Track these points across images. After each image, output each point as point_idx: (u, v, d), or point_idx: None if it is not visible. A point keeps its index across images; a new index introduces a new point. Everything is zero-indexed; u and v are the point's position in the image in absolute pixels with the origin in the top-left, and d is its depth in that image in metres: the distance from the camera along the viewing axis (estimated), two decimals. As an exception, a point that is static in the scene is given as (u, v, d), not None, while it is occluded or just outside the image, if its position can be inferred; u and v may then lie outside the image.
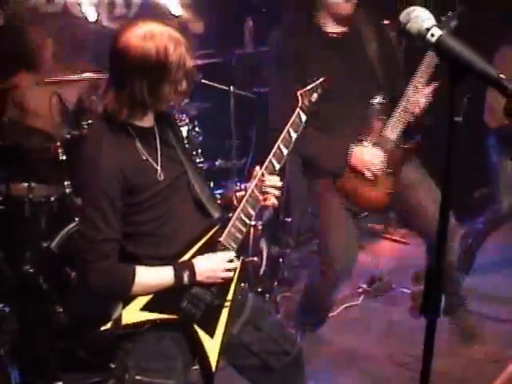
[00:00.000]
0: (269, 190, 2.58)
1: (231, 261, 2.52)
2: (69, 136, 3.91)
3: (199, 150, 4.26)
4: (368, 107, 3.53)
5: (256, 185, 2.56)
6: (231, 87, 4.50)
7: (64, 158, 3.92)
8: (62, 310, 3.70)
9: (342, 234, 3.57)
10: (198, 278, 2.43)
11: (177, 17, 4.91)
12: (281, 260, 4.79)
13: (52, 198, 4.00)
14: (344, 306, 4.50)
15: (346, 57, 3.55)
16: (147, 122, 2.45)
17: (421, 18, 1.63)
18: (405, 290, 4.71)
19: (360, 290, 4.74)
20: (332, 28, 3.56)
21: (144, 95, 2.30)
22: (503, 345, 3.95)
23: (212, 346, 2.51)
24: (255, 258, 4.43)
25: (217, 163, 4.62)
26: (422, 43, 1.61)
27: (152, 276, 2.39)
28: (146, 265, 2.39)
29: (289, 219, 5.03)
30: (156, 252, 2.44)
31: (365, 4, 3.55)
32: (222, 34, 5.63)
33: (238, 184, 2.68)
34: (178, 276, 2.39)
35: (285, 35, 3.68)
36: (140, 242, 2.44)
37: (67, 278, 3.73)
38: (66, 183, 3.93)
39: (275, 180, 2.59)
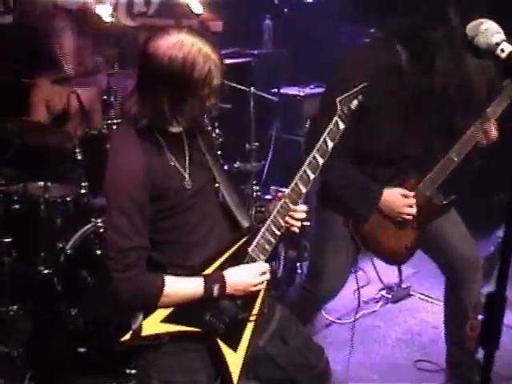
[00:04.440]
0: (293, 222, 2.49)
1: (264, 273, 2.44)
2: (87, 135, 3.83)
3: (218, 152, 4.19)
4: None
5: (292, 189, 2.45)
6: (251, 88, 4.42)
7: (81, 157, 3.85)
8: (76, 313, 3.63)
9: (339, 259, 3.33)
10: (228, 290, 2.35)
11: (198, 15, 4.84)
12: (298, 264, 4.70)
13: (68, 199, 3.96)
14: (362, 312, 4.41)
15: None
16: (176, 127, 2.37)
17: (490, 32, 1.53)
18: (423, 296, 4.64)
19: (378, 296, 4.66)
20: None
21: (163, 107, 2.22)
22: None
23: (235, 360, 2.43)
24: (273, 263, 4.36)
25: (236, 165, 4.56)
26: (490, 58, 1.51)
27: (181, 287, 2.29)
28: (172, 274, 2.30)
29: (307, 223, 4.94)
30: (182, 261, 2.36)
31: None
32: (240, 34, 5.57)
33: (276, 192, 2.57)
34: (207, 288, 2.30)
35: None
36: (166, 250, 2.36)
37: (83, 281, 3.66)
38: (82, 184, 3.87)
39: (301, 209, 2.49)
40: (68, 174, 3.94)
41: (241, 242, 2.43)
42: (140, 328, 2.28)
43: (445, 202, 3.23)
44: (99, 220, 3.84)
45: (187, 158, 2.38)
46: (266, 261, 2.47)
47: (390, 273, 4.58)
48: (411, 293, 4.73)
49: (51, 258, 3.84)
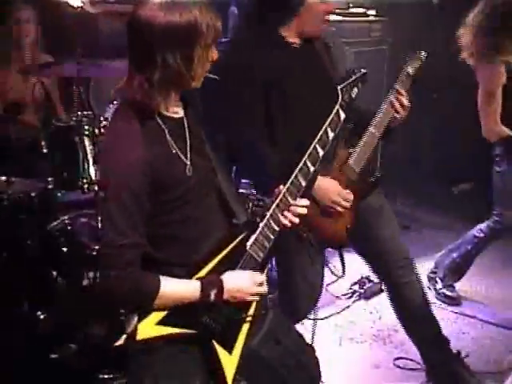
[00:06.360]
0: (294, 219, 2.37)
1: (261, 284, 2.34)
2: (54, 128, 3.63)
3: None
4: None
5: (292, 182, 2.35)
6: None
7: (47, 151, 3.65)
8: (45, 316, 3.45)
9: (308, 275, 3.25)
10: (225, 296, 2.24)
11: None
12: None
13: (33, 194, 3.73)
14: (335, 309, 4.37)
15: (307, 68, 3.08)
16: (177, 111, 2.24)
17: None
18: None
19: (350, 292, 4.58)
20: (293, 38, 3.04)
21: (181, 68, 2.08)
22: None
23: (229, 362, 2.32)
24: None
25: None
26: None
27: (177, 289, 2.17)
28: (167, 272, 2.19)
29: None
30: (179, 258, 2.23)
31: None
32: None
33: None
34: (204, 293, 2.19)
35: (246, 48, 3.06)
36: (164, 247, 2.22)
37: (52, 281, 3.48)
38: (49, 178, 3.68)
39: (303, 204, 2.38)
40: (33, 168, 3.72)
41: (239, 239, 2.32)
42: (135, 331, 2.15)
43: (373, 179, 3.16)
44: (66, 217, 3.67)
45: (188, 144, 2.25)
46: (264, 259, 2.36)
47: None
48: (383, 287, 4.66)
49: (16, 258, 3.64)
